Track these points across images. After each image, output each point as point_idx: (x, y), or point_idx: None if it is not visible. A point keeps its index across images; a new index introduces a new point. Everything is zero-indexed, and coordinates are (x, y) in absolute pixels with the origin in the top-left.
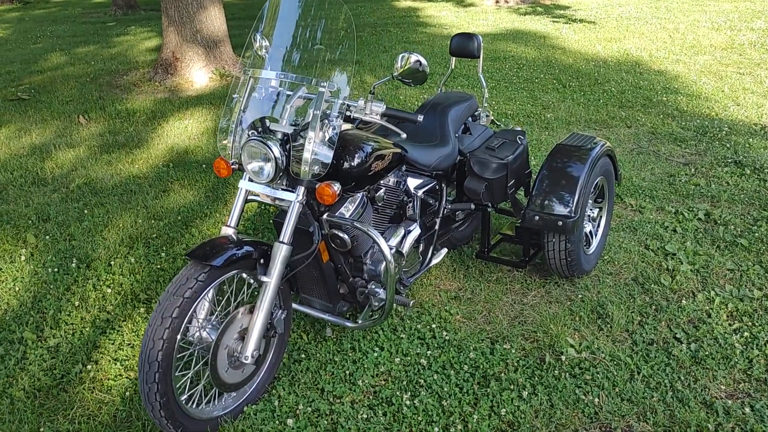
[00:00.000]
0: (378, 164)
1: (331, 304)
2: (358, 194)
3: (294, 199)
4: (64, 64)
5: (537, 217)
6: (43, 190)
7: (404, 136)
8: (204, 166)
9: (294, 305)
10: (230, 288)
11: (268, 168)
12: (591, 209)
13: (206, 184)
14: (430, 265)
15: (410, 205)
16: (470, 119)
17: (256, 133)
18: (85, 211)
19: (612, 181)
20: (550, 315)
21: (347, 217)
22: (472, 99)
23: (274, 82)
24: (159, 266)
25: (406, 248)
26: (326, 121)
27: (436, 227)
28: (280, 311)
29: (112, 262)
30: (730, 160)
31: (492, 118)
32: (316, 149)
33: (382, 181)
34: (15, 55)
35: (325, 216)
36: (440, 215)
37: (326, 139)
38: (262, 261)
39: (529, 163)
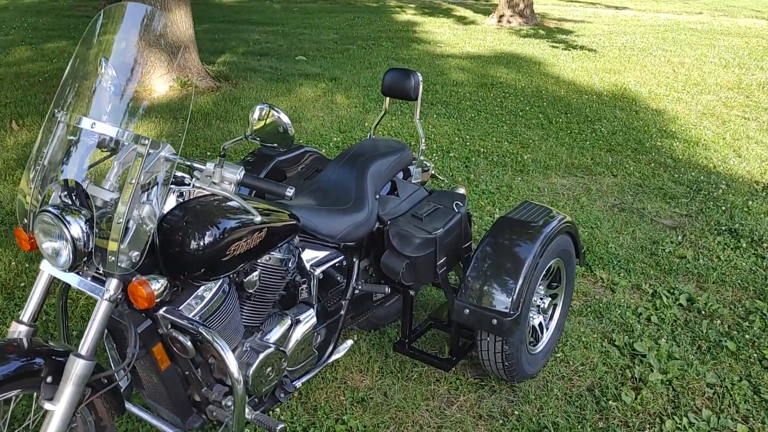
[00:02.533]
0: (240, 245)
1: (179, 418)
2: (214, 282)
3: (101, 297)
4: (26, 60)
5: (467, 311)
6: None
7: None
8: None
9: (136, 410)
10: (3, 415)
11: (65, 252)
12: (542, 298)
13: None
14: (328, 361)
15: (304, 286)
16: (400, 176)
17: (61, 198)
18: None
19: (572, 263)
20: None
21: (191, 314)
22: (404, 150)
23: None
24: None
25: (291, 345)
26: (153, 192)
27: (342, 312)
28: None
29: None
30: (724, 228)
31: (432, 171)
32: (128, 232)
33: (261, 259)
34: None
35: (162, 311)
36: (347, 297)
37: (143, 218)
38: (49, 379)
39: (470, 234)
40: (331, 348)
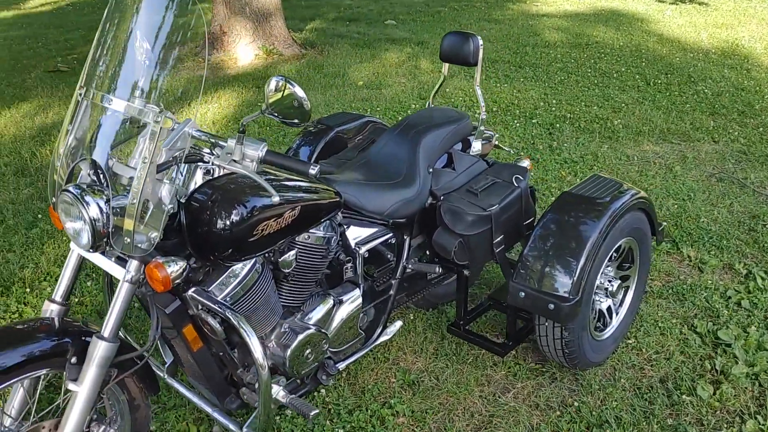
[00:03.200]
0: (269, 225)
1: (217, 398)
2: (246, 262)
3: (122, 278)
4: None
5: (522, 294)
6: (21, 181)
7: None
8: None
9: (179, 387)
10: (33, 393)
11: (85, 233)
12: (610, 281)
13: None
14: (376, 343)
15: (349, 265)
16: (458, 148)
17: (90, 176)
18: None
19: (646, 242)
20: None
21: (222, 295)
22: (462, 120)
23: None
24: None
25: (333, 326)
26: (171, 170)
27: (392, 292)
28: (114, 422)
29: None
30: None
31: (496, 142)
32: (144, 212)
33: (299, 237)
34: (85, 21)
35: (190, 292)
36: (397, 276)
37: (162, 198)
38: (74, 360)
39: (533, 210)
40: (379, 329)
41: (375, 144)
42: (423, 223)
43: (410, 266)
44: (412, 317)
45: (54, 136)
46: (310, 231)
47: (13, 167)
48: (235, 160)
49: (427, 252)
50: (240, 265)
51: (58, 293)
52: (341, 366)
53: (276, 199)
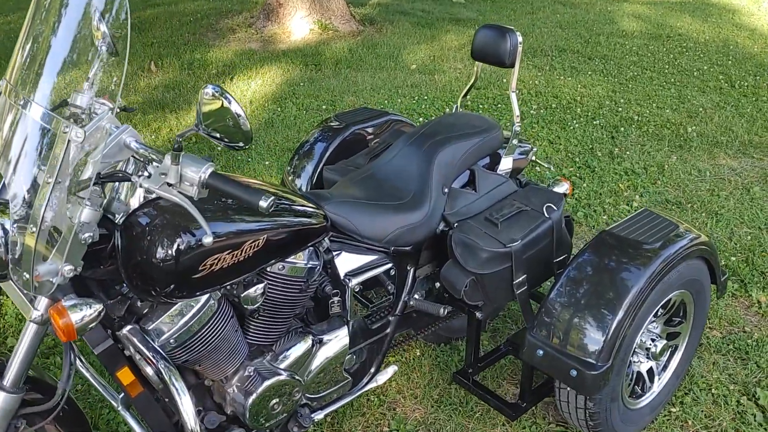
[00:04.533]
0: (221, 259)
1: None
2: (197, 298)
3: (29, 317)
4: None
5: (540, 352)
6: None
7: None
8: (219, 148)
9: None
10: None
11: None
12: (653, 340)
13: None
14: (364, 389)
15: (336, 299)
16: (484, 164)
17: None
18: None
19: (704, 295)
20: None
21: (163, 337)
22: (491, 131)
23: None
24: None
25: (310, 371)
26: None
27: (389, 330)
28: None
29: None
30: None
31: (533, 157)
32: (54, 240)
33: (270, 268)
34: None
35: (125, 331)
36: (396, 313)
37: (80, 221)
38: None
39: (568, 244)
40: (372, 372)
41: (385, 153)
42: (433, 251)
43: (412, 302)
44: (418, 353)
45: None
46: (286, 261)
47: None
48: (169, 183)
49: (437, 285)
50: (189, 300)
51: None
52: (318, 416)
53: (208, 240)
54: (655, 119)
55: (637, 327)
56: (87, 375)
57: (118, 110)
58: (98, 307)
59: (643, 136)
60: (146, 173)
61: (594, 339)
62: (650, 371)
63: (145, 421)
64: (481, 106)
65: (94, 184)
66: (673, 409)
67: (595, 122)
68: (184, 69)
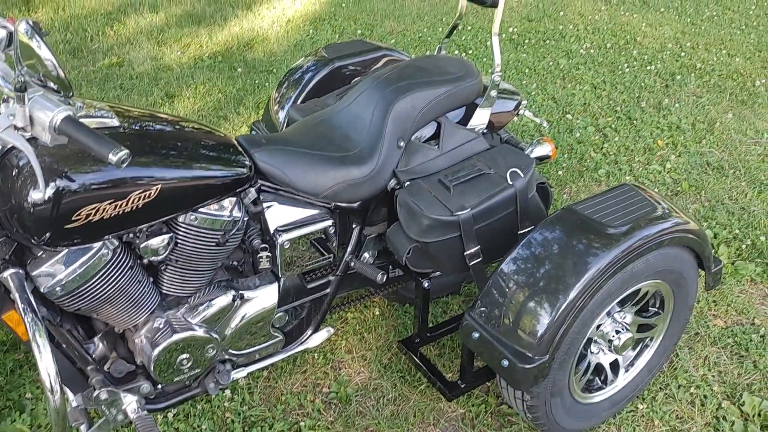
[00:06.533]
0: (100, 209)
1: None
2: (89, 245)
3: None
4: None
5: (476, 335)
6: (71, 63)
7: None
8: (239, 70)
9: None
10: None
11: None
12: (618, 332)
13: (221, 92)
14: (296, 350)
15: (264, 254)
16: (448, 118)
17: None
18: None
19: (687, 288)
20: None
21: (49, 284)
22: (467, 78)
23: None
24: None
25: (230, 327)
26: None
27: (329, 290)
28: None
29: None
30: None
31: (523, 110)
32: None
33: (180, 218)
34: None
35: (5, 274)
36: (338, 273)
37: None
38: None
39: (541, 213)
40: (308, 333)
41: (346, 96)
42: (387, 210)
43: (353, 263)
44: (377, 312)
45: (117, 17)
46: (198, 212)
47: (72, 45)
48: (17, 126)
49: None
50: (79, 248)
51: None
52: (239, 374)
53: (38, 195)
54: (721, 68)
55: (588, 319)
56: None
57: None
58: None
59: (702, 87)
60: None
61: (532, 329)
62: (615, 364)
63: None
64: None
65: None
66: (641, 406)
67: (650, 67)
68: None
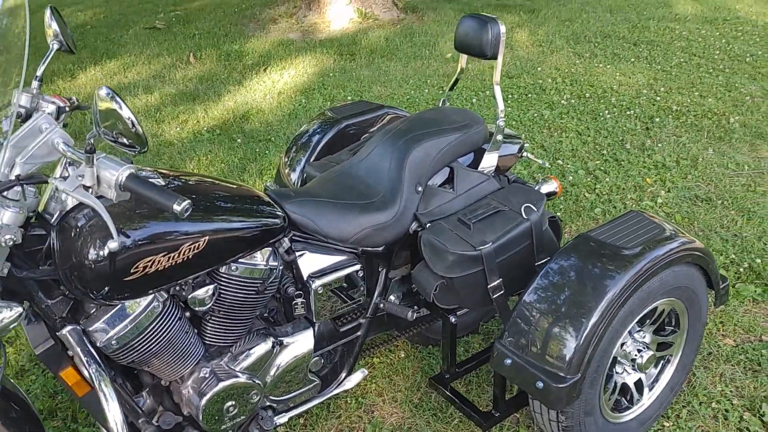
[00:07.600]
0: (156, 261)
1: None
2: (140, 299)
3: None
4: None
5: (508, 361)
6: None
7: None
8: (238, 140)
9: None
10: None
11: None
12: (640, 351)
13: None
14: (334, 392)
15: (299, 300)
16: (462, 162)
17: None
18: None
19: (699, 304)
20: None
21: (105, 338)
22: (473, 126)
23: None
24: None
25: (271, 373)
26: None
27: (360, 333)
28: None
29: None
30: None
31: (525, 153)
32: None
33: (221, 269)
34: None
35: (64, 331)
36: (368, 315)
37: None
38: None
39: (554, 245)
40: (343, 375)
41: (362, 150)
42: (410, 252)
43: (382, 305)
44: (402, 355)
45: (132, 93)
46: (239, 262)
47: (71, 129)
48: (86, 186)
49: (414, 287)
50: (132, 302)
51: None
52: (282, 419)
53: (113, 245)
54: (695, 109)
55: (613, 337)
56: None
57: (68, 109)
58: (18, 309)
59: (680, 127)
60: (66, 175)
61: (562, 349)
62: (639, 383)
63: (96, 420)
64: (510, 96)
65: (16, 185)
66: (667, 423)
67: (629, 112)
68: (221, 60)
